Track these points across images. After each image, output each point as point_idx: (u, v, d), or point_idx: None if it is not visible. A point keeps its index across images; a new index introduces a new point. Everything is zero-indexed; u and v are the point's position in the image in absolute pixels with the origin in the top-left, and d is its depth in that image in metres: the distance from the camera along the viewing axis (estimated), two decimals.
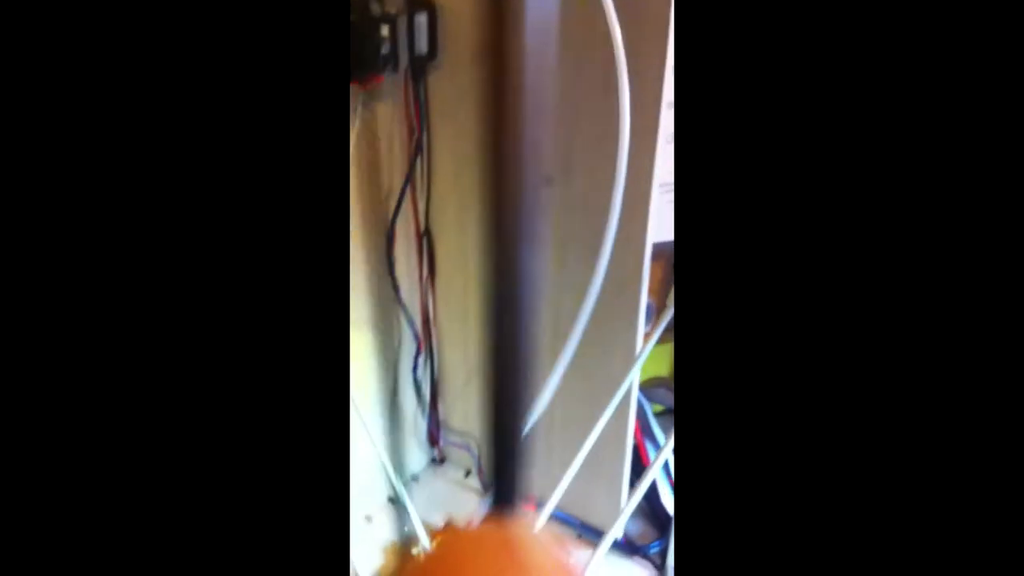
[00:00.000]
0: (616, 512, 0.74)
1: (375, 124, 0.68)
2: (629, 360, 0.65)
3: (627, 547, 0.75)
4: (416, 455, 0.88)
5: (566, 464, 0.60)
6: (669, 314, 0.58)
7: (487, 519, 0.25)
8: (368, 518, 0.79)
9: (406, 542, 0.53)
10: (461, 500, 0.81)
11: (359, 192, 0.68)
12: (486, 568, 0.23)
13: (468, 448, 0.84)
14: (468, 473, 0.86)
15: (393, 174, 0.71)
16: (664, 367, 0.85)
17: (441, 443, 0.87)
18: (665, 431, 0.80)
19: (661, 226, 0.63)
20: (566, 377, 0.71)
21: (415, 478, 0.87)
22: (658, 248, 0.64)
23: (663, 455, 0.57)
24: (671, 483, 0.77)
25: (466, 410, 0.84)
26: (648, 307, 0.66)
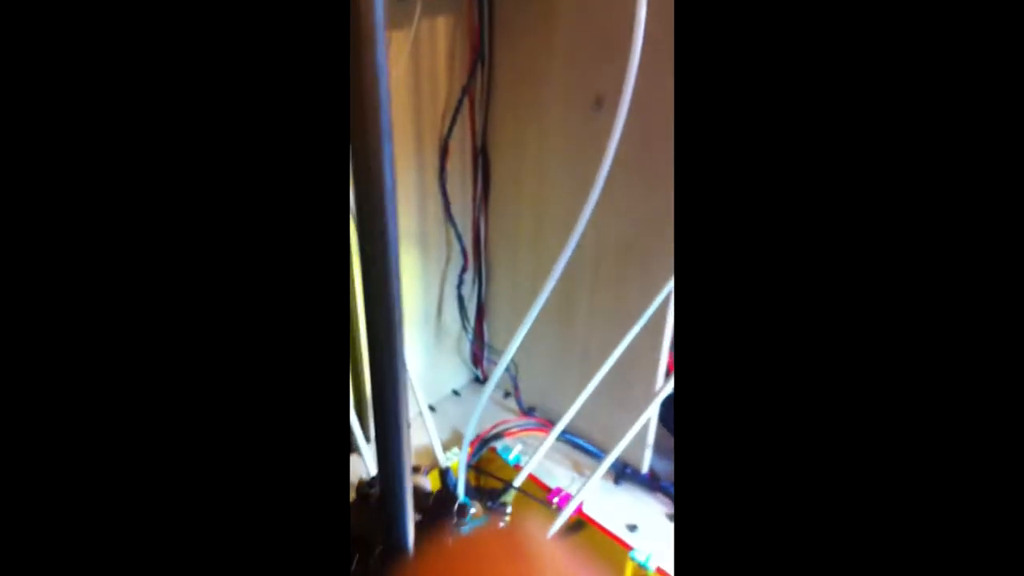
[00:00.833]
0: (643, 446, 0.74)
1: (435, 34, 0.68)
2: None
3: (651, 482, 0.75)
4: (460, 371, 0.90)
5: (599, 395, 0.61)
6: None
7: (490, 524, 0.25)
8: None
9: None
10: (496, 418, 0.82)
11: (413, 101, 0.69)
12: (492, 561, 0.23)
13: (508, 369, 0.85)
14: (508, 394, 0.88)
15: (453, 87, 0.71)
16: None
17: (484, 363, 0.89)
18: None
19: None
20: (603, 307, 0.71)
21: (456, 392, 0.89)
22: None
23: (668, 386, 0.56)
24: None
25: (509, 331, 0.85)
26: None
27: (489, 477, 0.70)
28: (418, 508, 0.43)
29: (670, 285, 0.56)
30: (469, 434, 0.55)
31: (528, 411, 0.84)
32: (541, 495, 0.70)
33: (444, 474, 0.66)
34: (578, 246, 0.71)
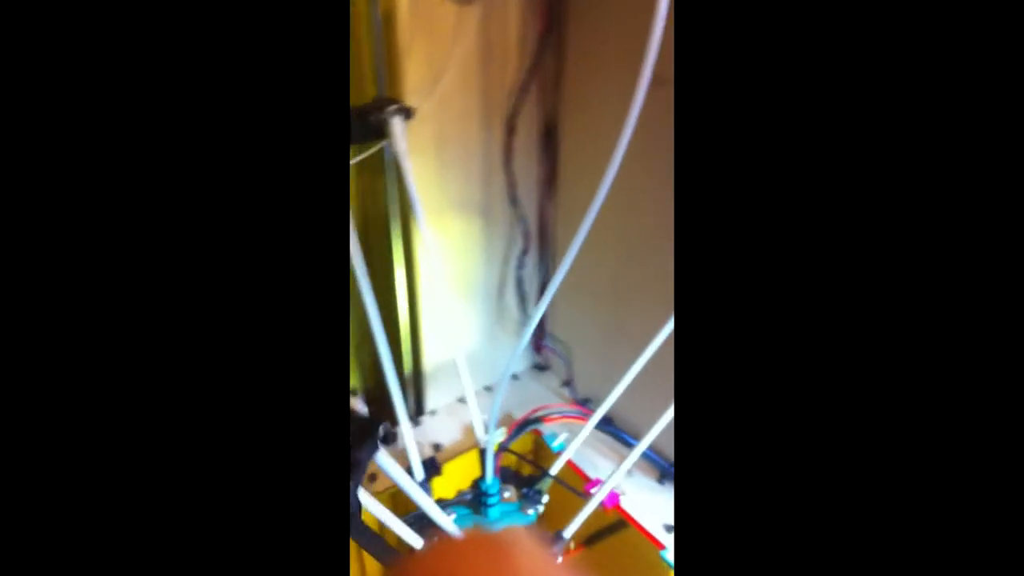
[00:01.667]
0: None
1: (507, 11, 0.67)
2: None
3: None
4: (521, 355, 0.89)
5: (650, 391, 0.59)
6: None
7: (476, 528, 0.26)
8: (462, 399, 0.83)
9: None
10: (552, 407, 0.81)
11: (480, 76, 0.68)
12: (475, 567, 0.23)
13: (564, 358, 0.84)
14: (566, 383, 0.86)
15: (522, 65, 0.70)
16: None
17: (544, 349, 0.88)
18: None
19: None
20: (656, 298, 0.69)
21: (516, 377, 0.89)
22: None
23: None
24: None
25: (569, 320, 0.83)
26: None
27: (528, 463, 0.69)
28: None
29: None
30: (494, 415, 0.54)
31: (582, 402, 0.83)
32: (580, 485, 0.68)
33: (482, 454, 0.65)
34: (634, 235, 0.69)
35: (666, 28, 0.57)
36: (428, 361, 0.80)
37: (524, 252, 0.79)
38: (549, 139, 0.75)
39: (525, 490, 0.64)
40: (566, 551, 0.63)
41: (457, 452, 0.74)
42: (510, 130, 0.72)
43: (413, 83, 0.64)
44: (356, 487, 0.37)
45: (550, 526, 0.61)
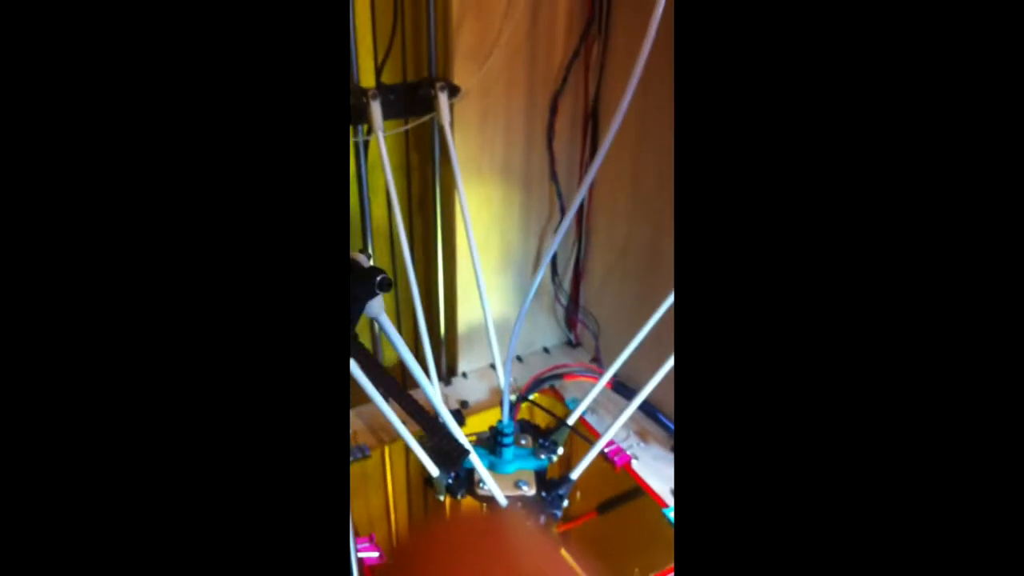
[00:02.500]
0: None
1: None
2: None
3: None
4: (555, 331, 0.94)
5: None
6: None
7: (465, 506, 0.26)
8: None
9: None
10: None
11: (528, 57, 0.73)
12: (463, 554, 0.22)
13: (594, 334, 0.88)
14: (593, 359, 0.90)
15: (569, 44, 0.75)
16: None
17: (578, 327, 0.92)
18: None
19: None
20: None
21: (547, 351, 0.93)
22: None
23: None
24: None
25: (603, 296, 0.87)
26: None
27: (545, 412, 0.73)
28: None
29: None
30: (512, 348, 0.58)
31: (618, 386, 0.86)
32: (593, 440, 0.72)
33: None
34: (669, 213, 0.72)
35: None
36: (462, 326, 0.85)
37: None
38: (591, 121, 0.80)
39: (541, 440, 0.68)
40: (573, 519, 0.67)
41: (482, 409, 0.79)
42: (553, 110, 0.77)
43: (463, 62, 0.69)
44: (356, 319, 0.43)
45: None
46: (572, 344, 0.94)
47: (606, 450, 0.73)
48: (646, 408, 0.78)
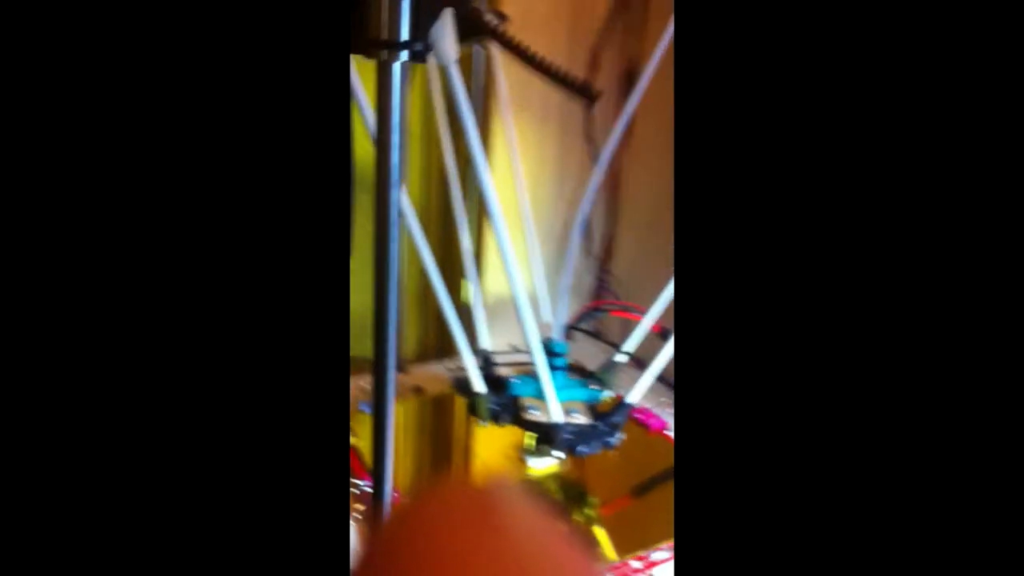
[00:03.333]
0: None
1: None
2: None
3: None
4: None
5: None
6: None
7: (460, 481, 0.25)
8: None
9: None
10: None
11: (570, 9, 0.73)
12: (458, 532, 0.21)
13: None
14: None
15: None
16: None
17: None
18: None
19: None
20: None
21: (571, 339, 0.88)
22: None
23: None
24: None
25: (630, 286, 0.83)
26: None
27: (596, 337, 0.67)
28: None
29: None
30: (570, 263, 0.54)
31: (638, 362, 0.82)
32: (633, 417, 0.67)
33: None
34: None
35: None
36: (489, 297, 0.80)
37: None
38: (628, 83, 0.78)
39: (592, 376, 0.62)
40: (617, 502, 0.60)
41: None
42: (592, 66, 0.76)
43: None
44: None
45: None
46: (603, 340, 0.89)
47: (638, 415, 0.69)
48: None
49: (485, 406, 0.56)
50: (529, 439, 0.57)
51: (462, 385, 0.58)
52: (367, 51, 0.34)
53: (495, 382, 0.59)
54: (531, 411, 0.56)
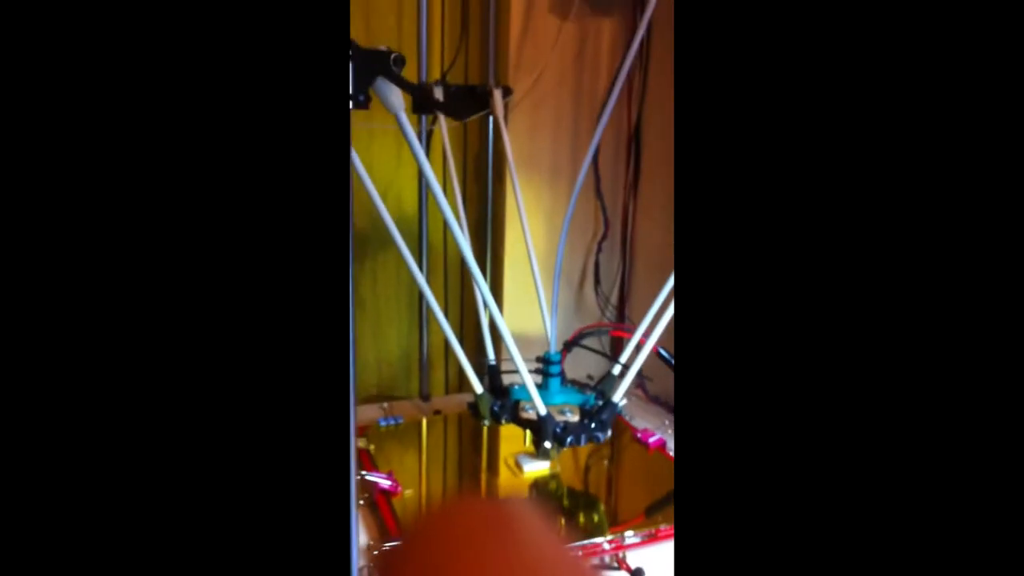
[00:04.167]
0: None
1: (600, 31, 0.84)
2: None
3: None
4: (599, 361, 0.94)
5: None
6: None
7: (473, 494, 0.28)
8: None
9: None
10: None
11: (574, 78, 0.84)
12: (474, 546, 0.22)
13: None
14: (643, 381, 0.90)
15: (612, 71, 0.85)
16: None
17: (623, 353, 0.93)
18: None
19: None
20: None
21: (591, 378, 0.93)
22: None
23: None
24: None
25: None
26: None
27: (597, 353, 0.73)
28: None
29: None
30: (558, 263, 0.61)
31: (653, 398, 0.87)
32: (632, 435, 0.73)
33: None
34: None
35: None
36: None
37: (603, 238, 0.89)
38: (633, 142, 0.88)
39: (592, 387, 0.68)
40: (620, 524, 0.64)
41: None
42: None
43: (515, 73, 0.80)
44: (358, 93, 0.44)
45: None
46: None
47: (638, 433, 0.74)
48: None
49: (486, 406, 0.63)
50: (530, 446, 0.64)
51: (473, 407, 0.66)
52: None
53: (500, 389, 0.66)
54: (527, 410, 0.62)
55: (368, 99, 0.46)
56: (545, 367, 0.65)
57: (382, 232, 0.60)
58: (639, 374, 0.63)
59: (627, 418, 0.79)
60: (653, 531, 0.59)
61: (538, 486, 0.66)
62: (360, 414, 0.77)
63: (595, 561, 0.56)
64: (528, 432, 0.65)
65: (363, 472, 0.61)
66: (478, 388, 0.63)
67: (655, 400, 0.87)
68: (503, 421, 0.63)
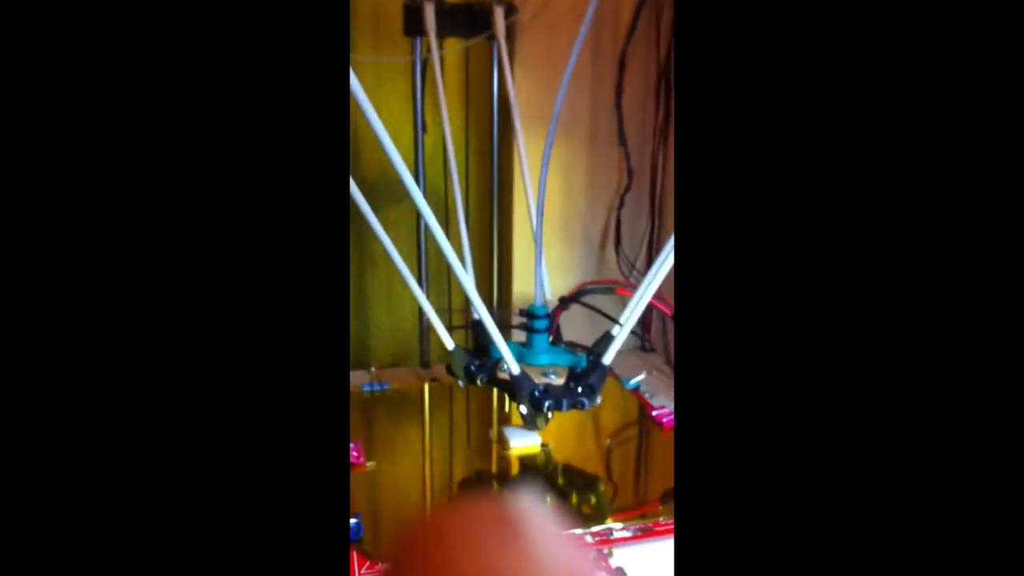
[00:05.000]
0: None
1: None
2: None
3: None
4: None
5: None
6: None
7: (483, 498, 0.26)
8: None
9: None
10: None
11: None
12: (478, 548, 0.21)
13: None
14: (668, 363, 0.80)
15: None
16: None
17: (652, 326, 0.83)
18: None
19: None
20: None
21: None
22: None
23: None
24: None
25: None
26: None
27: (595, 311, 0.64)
28: None
29: None
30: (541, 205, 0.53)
31: None
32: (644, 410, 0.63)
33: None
34: None
35: None
36: (516, 297, 0.79)
37: (627, 190, 0.79)
38: (663, 80, 0.77)
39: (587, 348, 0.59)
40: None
41: None
42: (621, 66, 0.76)
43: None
44: None
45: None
46: (646, 349, 0.85)
47: (654, 412, 0.65)
48: None
49: (459, 364, 0.55)
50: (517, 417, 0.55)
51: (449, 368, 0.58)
52: None
53: (484, 348, 0.58)
54: (504, 369, 0.54)
55: None
56: (530, 322, 0.56)
57: (394, 186, 0.49)
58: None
59: (647, 395, 0.69)
60: (650, 524, 0.49)
61: (526, 462, 0.58)
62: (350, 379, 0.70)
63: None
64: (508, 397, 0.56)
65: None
66: (449, 344, 0.54)
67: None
68: (479, 381, 0.55)
